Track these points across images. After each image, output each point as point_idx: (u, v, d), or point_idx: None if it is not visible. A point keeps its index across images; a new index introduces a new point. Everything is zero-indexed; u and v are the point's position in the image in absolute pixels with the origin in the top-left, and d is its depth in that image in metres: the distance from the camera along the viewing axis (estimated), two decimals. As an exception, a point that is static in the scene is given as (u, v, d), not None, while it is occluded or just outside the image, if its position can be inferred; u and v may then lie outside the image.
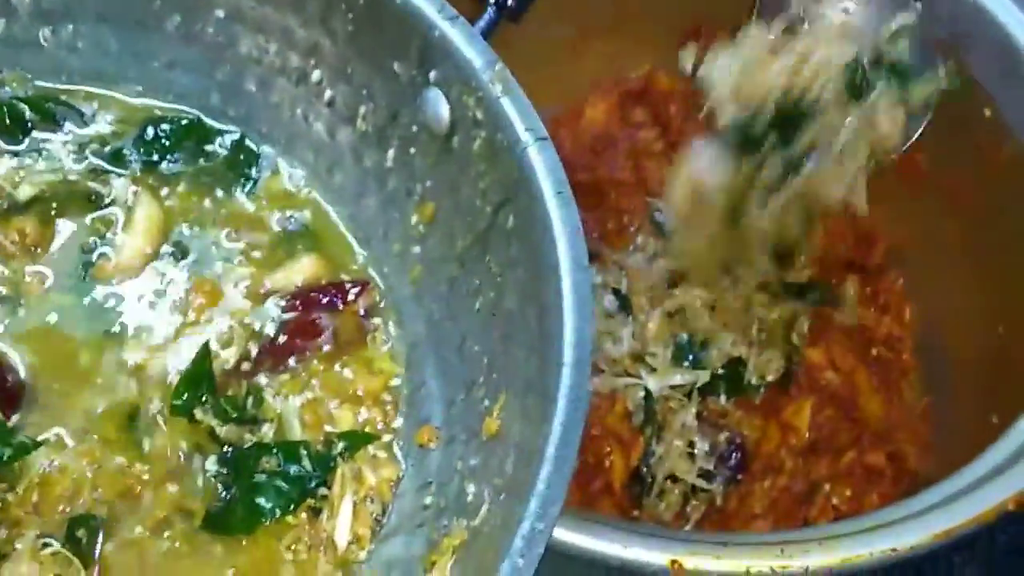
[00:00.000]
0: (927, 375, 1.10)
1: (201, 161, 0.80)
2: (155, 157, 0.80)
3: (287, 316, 0.75)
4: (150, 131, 0.80)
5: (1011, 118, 0.99)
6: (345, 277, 0.77)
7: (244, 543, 0.68)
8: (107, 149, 0.80)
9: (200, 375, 0.71)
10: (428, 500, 0.67)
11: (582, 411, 0.58)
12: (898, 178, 1.11)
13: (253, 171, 0.81)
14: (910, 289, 1.12)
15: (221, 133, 0.82)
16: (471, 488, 0.63)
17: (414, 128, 0.73)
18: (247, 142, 0.81)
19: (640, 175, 1.12)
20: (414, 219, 0.75)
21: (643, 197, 1.10)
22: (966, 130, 1.03)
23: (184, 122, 0.81)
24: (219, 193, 0.80)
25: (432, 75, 0.71)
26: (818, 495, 1.00)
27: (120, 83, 0.82)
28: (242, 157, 0.81)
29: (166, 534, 0.67)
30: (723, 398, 0.99)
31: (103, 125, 0.81)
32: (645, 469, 0.98)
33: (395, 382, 0.74)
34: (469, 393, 0.68)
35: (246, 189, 0.80)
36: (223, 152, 0.81)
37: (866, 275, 1.12)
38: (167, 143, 0.80)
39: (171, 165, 0.80)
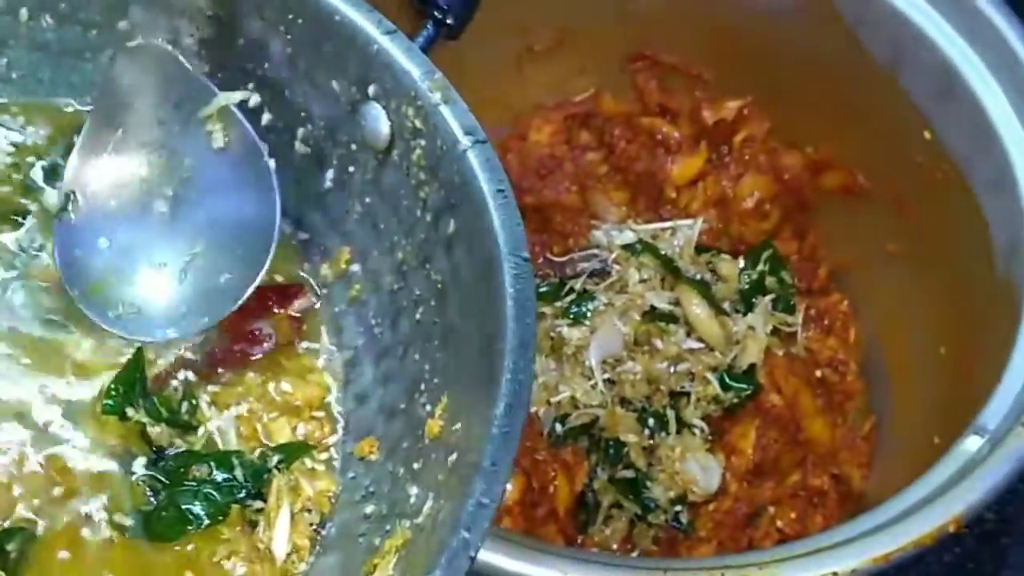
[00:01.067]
0: (871, 397, 1.10)
1: None
2: None
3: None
4: None
5: (948, 139, 1.00)
6: (279, 278, 0.76)
7: (178, 553, 0.66)
8: (42, 163, 0.78)
9: (133, 377, 0.70)
10: (369, 509, 0.67)
11: (526, 391, 0.58)
12: (840, 197, 1.13)
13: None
14: (854, 310, 1.12)
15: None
16: (413, 490, 0.63)
17: (353, 146, 0.73)
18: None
19: (585, 198, 1.12)
20: (353, 237, 0.74)
21: (588, 220, 1.10)
22: (905, 149, 1.04)
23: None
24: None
25: (371, 90, 0.71)
26: (763, 518, 1.00)
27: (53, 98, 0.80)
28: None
29: (97, 539, 0.66)
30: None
31: (37, 136, 0.79)
32: (591, 495, 0.97)
33: (333, 395, 0.73)
34: (411, 401, 0.68)
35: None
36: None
37: (810, 296, 1.12)
38: None
39: None
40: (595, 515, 0.98)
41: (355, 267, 0.75)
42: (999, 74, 0.96)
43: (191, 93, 0.74)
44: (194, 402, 0.71)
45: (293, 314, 0.76)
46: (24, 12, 0.77)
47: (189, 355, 0.73)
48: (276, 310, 0.75)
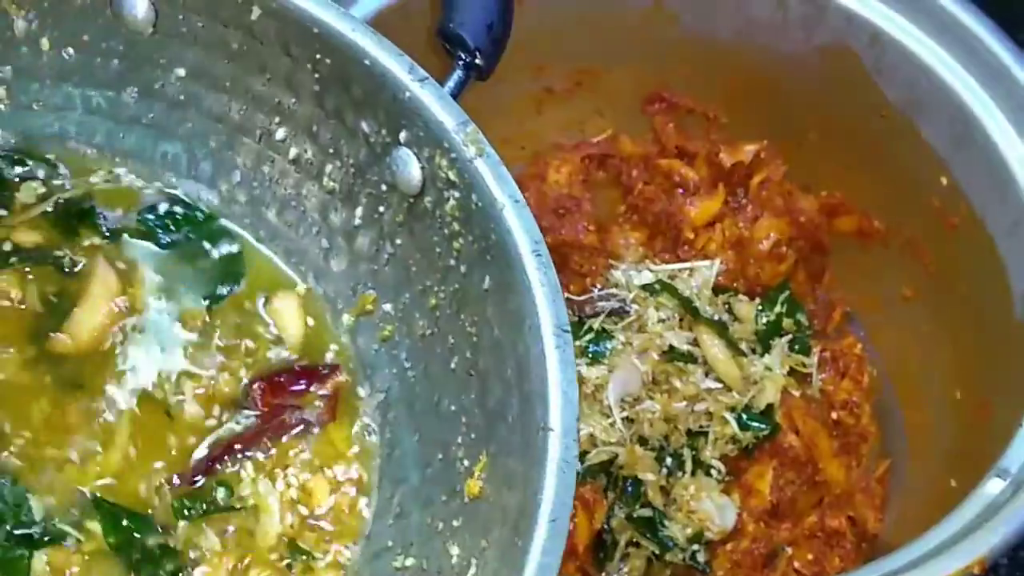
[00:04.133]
0: (886, 439, 1.10)
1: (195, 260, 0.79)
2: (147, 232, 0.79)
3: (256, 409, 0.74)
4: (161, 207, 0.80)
5: (965, 184, 1.01)
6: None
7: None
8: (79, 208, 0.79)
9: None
10: (409, 562, 0.66)
11: (571, 477, 0.57)
12: (855, 241, 1.13)
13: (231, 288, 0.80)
14: (868, 353, 1.13)
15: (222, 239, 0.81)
16: (455, 551, 0.63)
17: (383, 187, 0.73)
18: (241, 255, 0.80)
19: (603, 238, 1.13)
20: (385, 277, 0.74)
21: (605, 259, 1.10)
22: (922, 194, 1.05)
23: (198, 215, 0.80)
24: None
25: (402, 136, 0.70)
26: (780, 559, 0.99)
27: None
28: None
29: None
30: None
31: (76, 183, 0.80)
32: (608, 533, 0.97)
33: (368, 446, 0.73)
34: (447, 453, 0.67)
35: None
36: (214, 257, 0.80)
37: (825, 339, 1.13)
38: (168, 224, 0.80)
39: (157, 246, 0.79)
40: (613, 553, 0.97)
41: (387, 306, 0.74)
42: (1016, 119, 0.97)
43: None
44: (230, 484, 0.71)
45: (325, 388, 0.75)
46: None
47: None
48: (310, 389, 0.75)
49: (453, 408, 0.68)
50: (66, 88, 0.79)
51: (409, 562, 0.66)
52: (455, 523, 0.64)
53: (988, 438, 0.95)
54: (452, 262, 0.69)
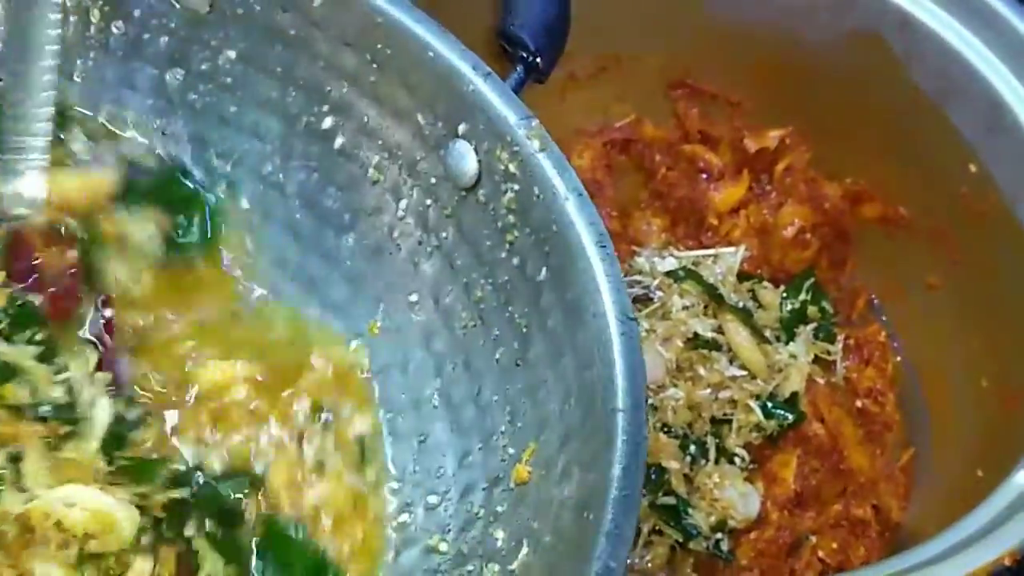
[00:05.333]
0: (909, 427, 1.10)
1: None
2: None
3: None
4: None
5: (996, 172, 1.00)
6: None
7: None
8: None
9: None
10: (443, 547, 0.66)
11: (643, 453, 0.58)
12: (880, 228, 1.13)
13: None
14: (892, 341, 1.12)
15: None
16: (499, 534, 0.63)
17: (432, 180, 0.73)
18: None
19: (626, 224, 1.12)
20: (426, 269, 0.74)
21: (628, 246, 1.10)
22: (949, 181, 1.04)
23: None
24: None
25: (461, 128, 0.70)
26: (804, 548, 0.99)
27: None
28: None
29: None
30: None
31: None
32: (631, 521, 0.97)
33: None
34: (487, 443, 0.67)
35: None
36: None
37: (849, 327, 1.12)
38: None
39: None
40: (636, 540, 0.97)
41: (428, 300, 0.74)
42: (1047, 108, 0.97)
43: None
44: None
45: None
46: None
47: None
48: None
49: (496, 399, 0.68)
50: (111, 63, 0.79)
51: (443, 547, 0.66)
52: (499, 508, 0.65)
53: (1015, 428, 0.94)
54: (503, 255, 0.69)
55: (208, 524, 0.66)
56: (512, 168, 0.68)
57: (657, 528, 0.97)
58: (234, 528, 0.67)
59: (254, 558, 0.67)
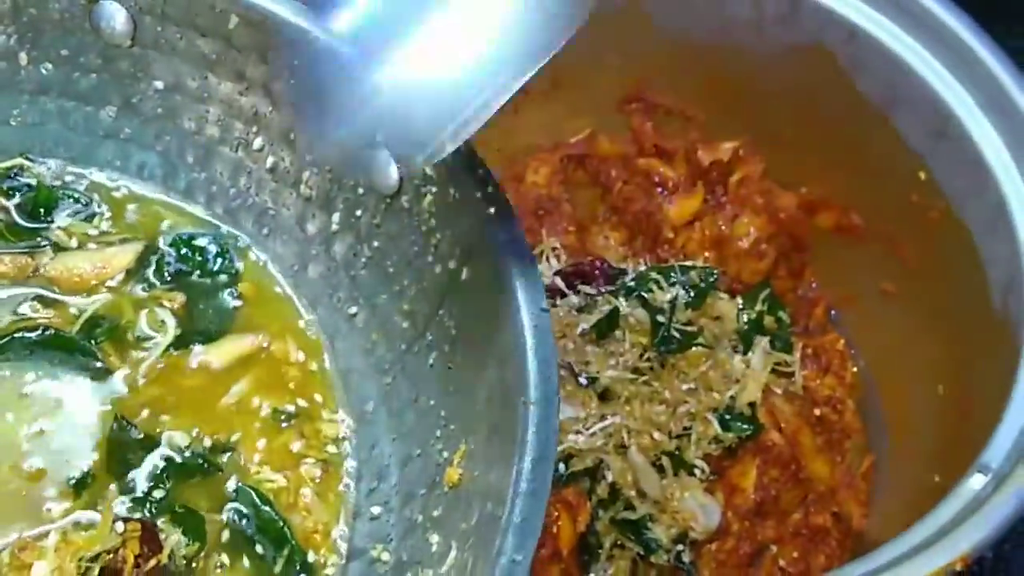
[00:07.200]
0: (869, 435, 1.10)
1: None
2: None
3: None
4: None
5: (944, 179, 1.01)
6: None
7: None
8: None
9: None
10: (386, 556, 0.66)
11: (552, 446, 0.58)
12: (835, 237, 1.13)
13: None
14: (850, 349, 1.13)
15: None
16: (435, 538, 0.63)
17: (360, 190, 0.73)
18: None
19: (583, 239, 1.13)
20: (362, 280, 0.74)
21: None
22: (900, 189, 1.05)
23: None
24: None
25: (379, 136, 0.71)
26: (765, 557, 0.99)
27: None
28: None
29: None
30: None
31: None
32: (593, 535, 0.97)
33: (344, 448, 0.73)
34: (425, 448, 0.68)
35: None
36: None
37: (807, 336, 1.13)
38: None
39: None
40: (598, 555, 0.97)
41: (363, 313, 0.75)
42: (992, 114, 0.97)
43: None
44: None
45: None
46: None
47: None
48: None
49: (432, 403, 0.69)
50: (44, 103, 0.79)
51: (385, 556, 0.66)
52: (435, 513, 0.65)
53: (970, 433, 0.95)
54: (430, 259, 0.70)
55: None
56: (428, 170, 0.69)
57: (619, 542, 0.98)
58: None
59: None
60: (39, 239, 0.77)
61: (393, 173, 0.71)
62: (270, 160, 0.77)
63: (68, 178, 0.80)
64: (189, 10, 0.75)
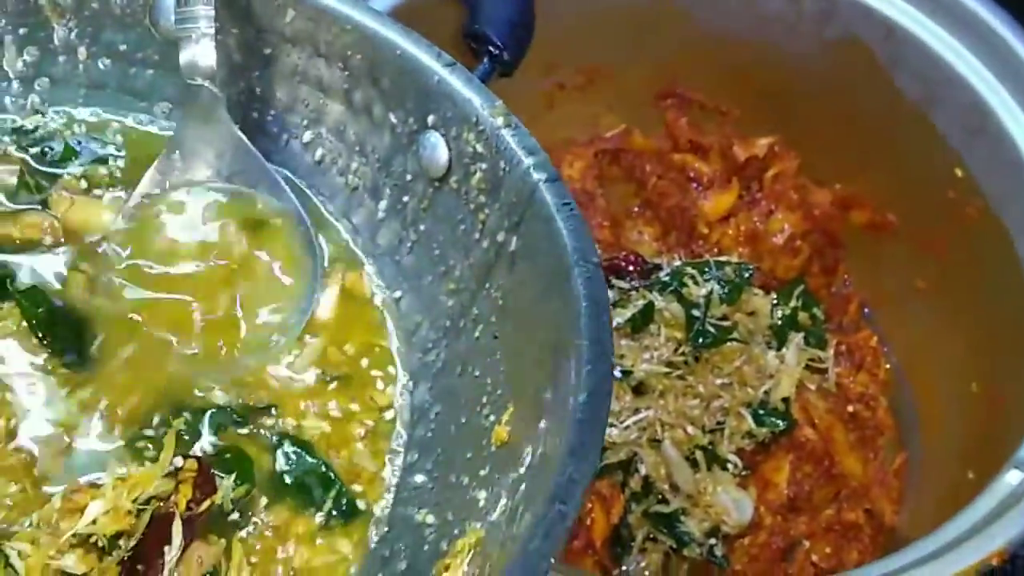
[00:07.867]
0: (901, 432, 1.10)
1: None
2: None
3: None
4: None
5: (981, 176, 1.01)
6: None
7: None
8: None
9: None
10: (430, 519, 0.67)
11: (608, 380, 0.58)
12: (869, 234, 1.13)
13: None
14: (883, 346, 1.13)
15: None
16: (482, 495, 0.64)
17: (408, 176, 0.74)
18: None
19: (618, 233, 1.13)
20: (407, 266, 0.75)
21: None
22: (936, 186, 1.05)
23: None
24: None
25: (430, 119, 0.72)
26: (798, 552, 1.00)
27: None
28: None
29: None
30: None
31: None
32: (625, 528, 0.97)
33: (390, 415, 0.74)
34: (471, 417, 0.68)
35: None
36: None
37: (840, 332, 1.13)
38: None
39: None
40: (630, 547, 0.98)
41: (411, 292, 0.75)
42: (1032, 112, 0.98)
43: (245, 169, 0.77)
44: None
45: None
46: None
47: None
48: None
49: (477, 373, 0.69)
50: (100, 98, 0.80)
51: (430, 519, 0.67)
52: (482, 472, 0.65)
53: (1005, 430, 0.95)
54: (477, 235, 0.71)
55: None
56: (479, 148, 0.69)
57: (651, 535, 0.98)
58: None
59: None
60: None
61: (443, 154, 0.72)
62: (319, 152, 0.78)
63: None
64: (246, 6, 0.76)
